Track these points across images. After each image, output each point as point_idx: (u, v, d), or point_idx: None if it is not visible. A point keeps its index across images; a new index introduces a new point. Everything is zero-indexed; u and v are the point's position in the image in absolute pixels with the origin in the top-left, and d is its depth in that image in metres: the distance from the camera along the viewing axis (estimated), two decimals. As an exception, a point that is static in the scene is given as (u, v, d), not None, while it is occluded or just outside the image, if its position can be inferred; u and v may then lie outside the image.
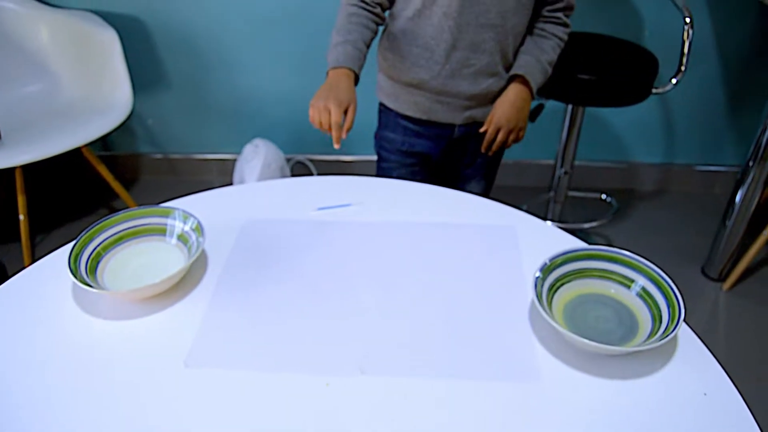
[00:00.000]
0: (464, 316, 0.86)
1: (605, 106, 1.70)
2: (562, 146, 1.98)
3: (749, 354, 1.80)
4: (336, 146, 1.08)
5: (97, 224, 0.95)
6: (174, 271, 0.88)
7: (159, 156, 2.60)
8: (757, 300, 2.01)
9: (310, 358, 0.80)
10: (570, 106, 1.89)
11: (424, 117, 1.36)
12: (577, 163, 2.38)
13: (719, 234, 2.03)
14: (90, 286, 0.86)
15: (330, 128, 1.08)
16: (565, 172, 2.03)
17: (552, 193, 2.09)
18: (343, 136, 1.09)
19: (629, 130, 2.37)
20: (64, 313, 0.89)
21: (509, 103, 1.31)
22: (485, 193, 1.54)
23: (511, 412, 0.73)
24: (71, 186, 2.62)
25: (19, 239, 2.08)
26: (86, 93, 2.20)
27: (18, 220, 2.07)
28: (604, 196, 2.42)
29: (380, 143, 1.46)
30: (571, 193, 2.36)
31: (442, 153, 1.42)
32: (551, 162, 2.44)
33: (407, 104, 1.36)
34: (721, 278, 2.07)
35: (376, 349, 0.82)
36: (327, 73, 1.18)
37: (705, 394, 0.76)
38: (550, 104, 2.15)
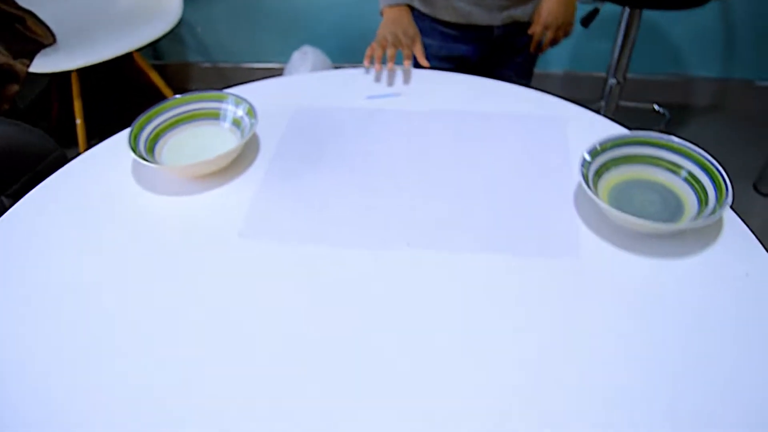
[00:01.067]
0: (507, 197, 0.88)
1: (664, 8, 1.63)
2: (616, 54, 1.92)
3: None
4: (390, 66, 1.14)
5: (155, 107, 0.99)
6: (228, 149, 0.91)
7: (208, 65, 2.62)
8: (810, 215, 1.96)
9: (359, 232, 0.84)
10: (626, 11, 1.82)
11: (462, 21, 1.34)
12: (630, 75, 2.31)
13: (775, 149, 1.98)
14: (149, 162, 0.90)
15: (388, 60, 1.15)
16: (617, 82, 1.98)
17: (602, 103, 2.05)
18: (426, 63, 1.18)
19: (687, 41, 2.28)
20: (126, 190, 0.94)
21: (555, 0, 1.28)
22: None
23: (552, 287, 0.75)
24: (125, 93, 2.67)
25: (76, 143, 2.16)
26: (137, 0, 2.22)
27: (75, 124, 2.14)
28: (656, 107, 2.36)
29: None
30: (623, 103, 2.31)
31: (481, 55, 1.40)
32: (603, 75, 2.38)
33: (443, 9, 1.33)
34: (774, 194, 2.03)
35: (421, 225, 0.84)
36: (381, 12, 1.23)
37: (747, 275, 0.76)
38: (605, 10, 2.08)
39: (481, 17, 1.33)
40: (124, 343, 0.71)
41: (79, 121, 2.12)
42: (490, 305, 0.73)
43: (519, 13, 1.33)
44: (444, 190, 0.90)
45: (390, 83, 1.16)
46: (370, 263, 0.79)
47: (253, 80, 1.20)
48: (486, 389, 0.65)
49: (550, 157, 0.95)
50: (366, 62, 1.18)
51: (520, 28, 1.35)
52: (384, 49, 1.18)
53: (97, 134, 2.37)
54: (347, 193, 0.90)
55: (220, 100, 1.02)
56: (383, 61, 1.18)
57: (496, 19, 1.33)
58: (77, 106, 2.12)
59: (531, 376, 0.66)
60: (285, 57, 2.46)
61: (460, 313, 0.72)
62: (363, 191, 0.90)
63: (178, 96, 1.01)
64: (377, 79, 1.17)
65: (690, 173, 0.85)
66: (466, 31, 1.35)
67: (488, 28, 1.35)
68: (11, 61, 1.91)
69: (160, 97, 2.37)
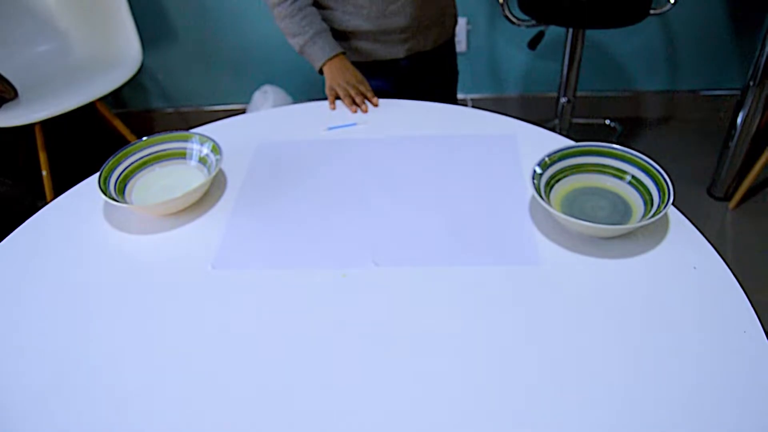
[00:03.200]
0: (467, 212, 0.93)
1: (603, 27, 1.72)
2: (565, 74, 2.01)
3: (758, 267, 1.86)
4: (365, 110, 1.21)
5: (123, 149, 1.02)
6: (195, 186, 0.94)
7: (171, 110, 2.65)
8: (763, 215, 2.05)
9: (328, 254, 0.87)
10: (570, 31, 1.92)
11: (367, 59, 1.39)
12: (580, 93, 2.41)
13: (723, 155, 2.07)
14: (120, 202, 0.93)
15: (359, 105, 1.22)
16: (568, 101, 2.06)
17: (557, 121, 2.13)
18: (376, 103, 1.24)
19: (632, 57, 2.39)
20: (98, 232, 0.96)
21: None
22: None
23: (514, 293, 0.79)
24: (89, 142, 2.68)
25: (43, 195, 2.16)
26: (97, 50, 2.25)
27: (41, 176, 2.15)
28: (608, 122, 2.45)
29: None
30: (576, 120, 2.39)
31: (394, 87, 1.45)
32: (555, 95, 2.47)
33: (347, 51, 1.38)
34: (727, 197, 2.11)
35: (387, 244, 0.88)
36: (321, 70, 1.28)
37: (695, 268, 0.81)
38: (551, 32, 2.17)
39: (384, 52, 1.38)
40: (101, 383, 0.73)
41: (45, 173, 2.13)
42: (457, 316, 0.77)
43: (420, 44, 1.39)
44: (406, 210, 0.94)
45: (348, 114, 1.21)
46: (339, 283, 0.82)
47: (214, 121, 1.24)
48: (456, 403, 0.68)
49: (504, 172, 1.00)
50: (331, 107, 1.25)
51: (426, 56, 1.42)
52: (350, 98, 1.23)
53: (64, 184, 2.38)
54: (314, 219, 0.94)
55: (185, 139, 1.06)
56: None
57: (399, 51, 1.38)
58: (42, 158, 2.13)
59: (498, 382, 0.69)
60: (246, 98, 2.51)
61: (428, 325, 0.76)
62: (328, 216, 0.94)
63: (145, 138, 1.04)
64: (335, 111, 1.22)
65: (634, 177, 0.91)
66: (372, 68, 1.40)
67: (393, 62, 1.41)
68: (-27, 118, 1.92)
69: (124, 144, 2.39)
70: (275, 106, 2.26)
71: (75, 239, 0.95)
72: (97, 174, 0.97)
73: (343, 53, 1.30)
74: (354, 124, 1.17)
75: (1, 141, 2.46)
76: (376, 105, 1.23)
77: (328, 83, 1.27)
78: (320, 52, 1.28)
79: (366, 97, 1.24)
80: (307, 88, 2.50)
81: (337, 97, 1.25)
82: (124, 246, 0.93)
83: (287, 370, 0.71)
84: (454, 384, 0.69)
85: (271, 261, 0.87)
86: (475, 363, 0.71)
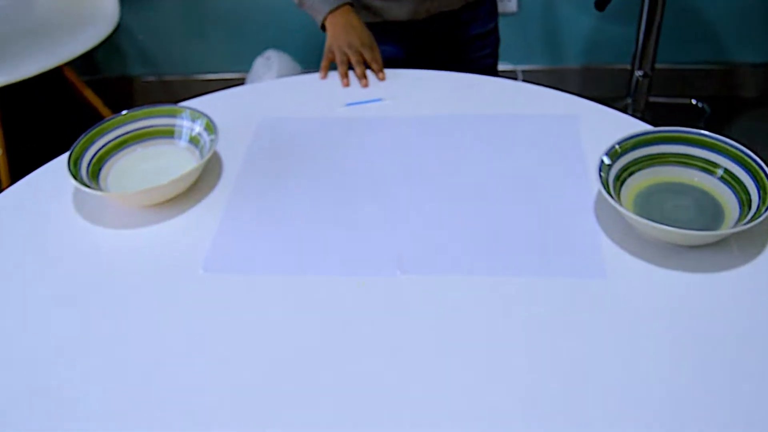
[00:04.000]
0: (514, 211, 0.93)
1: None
2: (640, 42, 1.99)
3: None
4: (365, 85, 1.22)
5: (99, 125, 1.04)
6: (184, 172, 0.95)
7: (153, 78, 2.68)
8: None
9: (343, 258, 0.88)
10: (648, -10, 1.90)
11: (377, 20, 1.38)
12: (659, 66, 2.38)
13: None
14: (93, 189, 0.94)
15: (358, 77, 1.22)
16: (645, 75, 2.05)
17: (629, 100, 2.11)
18: (382, 78, 1.23)
19: (724, 22, 2.36)
20: (66, 223, 0.98)
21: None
22: None
23: (572, 313, 0.79)
24: (54, 116, 2.71)
25: (-2, 177, 2.20)
26: (64, 4, 2.28)
27: (-5, 155, 2.18)
28: (694, 101, 2.43)
29: None
30: (653, 99, 2.37)
31: (411, 56, 1.44)
32: (627, 67, 2.45)
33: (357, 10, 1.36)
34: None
35: (415, 247, 0.88)
36: (324, 22, 1.28)
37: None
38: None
39: (398, 11, 1.37)
40: (68, 397, 0.74)
41: (0, 152, 2.16)
42: (498, 339, 0.77)
43: (444, 1, 1.38)
44: (439, 207, 0.94)
45: (372, 88, 1.22)
46: (356, 295, 0.83)
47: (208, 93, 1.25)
48: (500, 427, 0.68)
49: (563, 163, 1.00)
50: (322, 74, 1.26)
51: (453, 18, 1.40)
52: (346, 66, 1.24)
53: (23, 167, 2.40)
54: (326, 216, 0.95)
55: (173, 114, 1.07)
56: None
57: (419, 10, 1.37)
58: (-3, 132, 2.16)
59: (551, 412, 0.69)
60: (245, 65, 2.52)
61: (464, 348, 0.76)
62: (344, 212, 0.95)
63: (124, 112, 1.06)
64: (354, 81, 1.24)
65: (727, 171, 0.90)
66: (384, 30, 1.38)
67: (410, 24, 1.39)
68: None
69: (96, 120, 2.41)
70: (280, 75, 2.27)
71: (38, 234, 0.97)
72: (66, 154, 0.99)
73: (351, 4, 1.29)
74: (379, 100, 1.18)
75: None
76: (382, 79, 1.23)
77: (327, 43, 1.27)
78: (321, 2, 1.27)
79: (371, 68, 1.24)
80: (318, 55, 2.51)
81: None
82: (97, 243, 0.94)
83: (293, 396, 0.72)
84: (495, 424, 0.69)
85: (275, 265, 0.88)
86: (519, 398, 0.71)
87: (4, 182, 2.16)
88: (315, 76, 1.27)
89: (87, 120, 2.52)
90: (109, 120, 1.05)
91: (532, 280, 0.83)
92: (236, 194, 1.00)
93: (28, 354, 0.80)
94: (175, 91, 2.69)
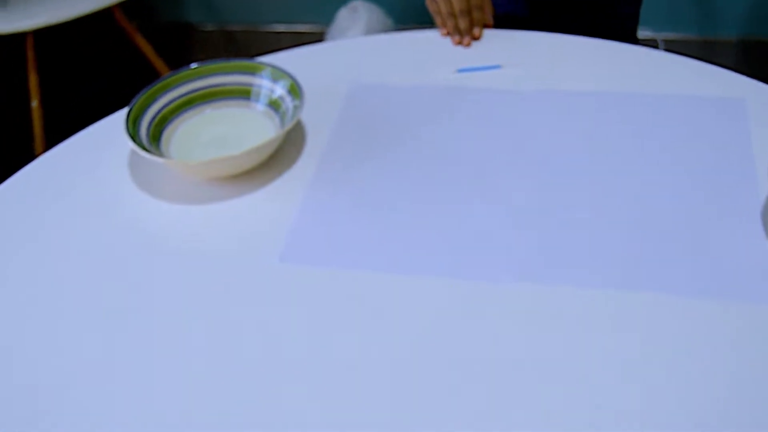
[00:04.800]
0: (662, 215, 0.91)
1: None
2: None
3: None
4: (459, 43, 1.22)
5: (162, 80, 1.06)
6: (262, 141, 0.97)
7: (213, 27, 2.72)
8: None
9: (445, 258, 0.88)
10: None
11: None
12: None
13: None
14: (154, 155, 0.97)
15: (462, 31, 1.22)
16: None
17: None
18: (477, 35, 1.24)
19: None
20: (121, 195, 1.01)
21: None
22: None
23: (734, 344, 0.77)
24: (100, 66, 2.78)
25: (30, 133, 2.26)
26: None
27: (29, 106, 2.25)
28: None
29: None
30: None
31: (532, 12, 1.43)
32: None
33: None
34: None
35: (534, 250, 0.88)
36: None
37: None
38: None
39: None
40: (117, 394, 0.77)
41: (35, 103, 2.22)
42: (637, 369, 0.75)
43: None
44: (566, 202, 0.94)
45: (490, 52, 1.21)
46: (458, 301, 0.83)
47: (278, 48, 1.26)
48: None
49: (725, 157, 0.98)
50: (442, 30, 1.25)
51: None
52: (453, 14, 1.23)
53: (60, 124, 2.45)
54: (427, 205, 0.95)
55: (252, 72, 1.09)
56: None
57: None
58: (32, 81, 2.23)
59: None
60: (325, 16, 2.54)
61: (593, 377, 0.75)
62: (449, 201, 0.95)
63: (194, 65, 1.08)
64: (472, 47, 1.23)
65: None
66: None
67: None
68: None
69: (148, 71, 2.46)
70: (368, 31, 2.28)
71: (85, 204, 1.00)
72: (125, 110, 1.01)
73: None
74: (497, 67, 1.17)
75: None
76: (477, 36, 1.24)
77: None
78: None
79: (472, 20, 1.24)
80: (416, 9, 2.51)
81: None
82: (155, 218, 0.97)
83: (373, 408, 0.73)
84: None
85: (364, 259, 0.89)
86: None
87: (38, 138, 2.23)
88: (422, 35, 1.27)
89: (135, 73, 2.59)
90: (175, 74, 1.07)
91: (679, 299, 0.82)
92: (321, 172, 1.01)
93: (71, 340, 0.82)
94: (239, 44, 2.73)
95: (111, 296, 0.87)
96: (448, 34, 1.25)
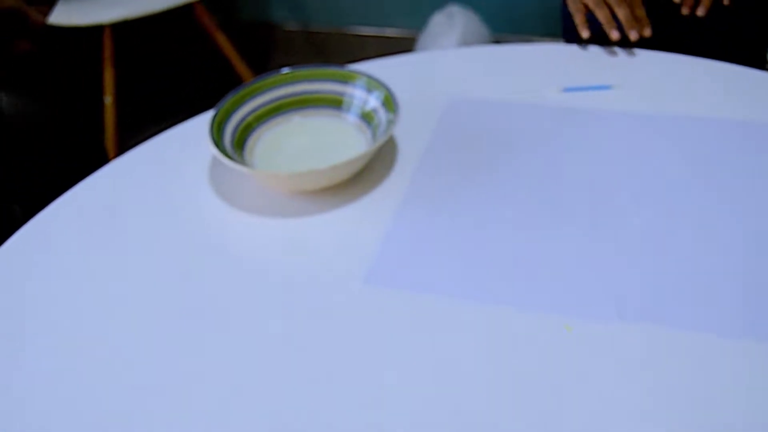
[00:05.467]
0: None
1: None
2: None
3: None
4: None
5: (250, 84, 1.09)
6: (352, 156, 0.98)
7: (296, 26, 2.76)
8: None
9: (543, 290, 0.88)
10: None
11: None
12: None
13: None
14: (239, 163, 0.99)
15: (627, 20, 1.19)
16: None
17: None
18: (646, 33, 1.21)
19: None
20: (200, 203, 1.04)
21: None
22: None
23: None
24: (178, 64, 2.84)
25: (101, 130, 2.33)
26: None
27: (102, 103, 2.31)
28: None
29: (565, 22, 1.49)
30: None
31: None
32: None
33: None
34: None
35: (642, 286, 0.87)
36: None
37: None
38: None
39: None
40: (193, 414, 0.79)
41: (109, 99, 2.28)
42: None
43: None
44: (680, 236, 0.93)
45: (600, 71, 1.22)
46: (560, 339, 0.83)
47: (365, 53, 1.28)
48: None
49: None
50: (582, 30, 1.24)
51: None
52: (606, 8, 1.22)
53: (133, 123, 2.50)
54: (525, 231, 0.96)
55: (345, 80, 1.11)
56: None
57: None
58: (108, 77, 2.29)
59: None
60: (416, 21, 2.55)
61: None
62: (549, 229, 0.96)
63: (286, 70, 1.11)
64: (575, 60, 1.24)
65: None
66: None
67: None
68: (23, 6, 2.10)
69: (227, 72, 2.50)
70: (464, 39, 2.29)
71: (162, 212, 1.04)
72: (211, 114, 1.04)
73: None
74: (607, 87, 1.18)
75: (52, 48, 2.67)
76: (647, 36, 1.22)
77: None
78: None
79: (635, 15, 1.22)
80: (518, 19, 2.51)
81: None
82: (233, 230, 1.00)
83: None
84: None
85: (455, 285, 0.89)
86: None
87: (110, 135, 2.27)
88: (527, 48, 1.28)
89: (215, 72, 2.63)
90: (264, 78, 1.10)
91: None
92: (412, 191, 1.03)
93: (138, 358, 0.85)
94: (321, 46, 2.76)
95: (184, 310, 0.90)
96: (599, 32, 1.25)
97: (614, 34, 1.22)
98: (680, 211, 0.97)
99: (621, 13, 1.21)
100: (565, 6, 1.46)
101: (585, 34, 1.26)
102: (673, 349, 0.82)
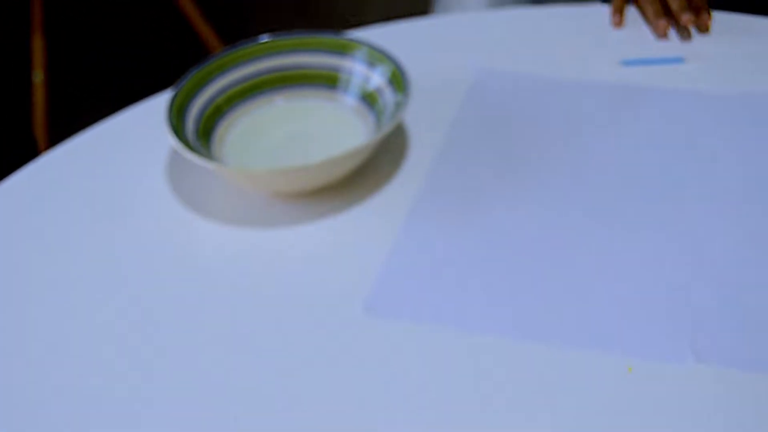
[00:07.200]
0: None
1: None
2: None
3: None
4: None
5: (217, 57, 1.08)
6: (350, 148, 0.97)
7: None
8: None
9: (596, 323, 0.87)
10: None
11: None
12: None
13: None
14: (205, 157, 0.98)
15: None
16: None
17: None
18: (706, 24, 1.23)
19: None
20: (156, 207, 1.03)
21: None
22: None
23: None
24: (127, 30, 2.84)
25: (28, 114, 2.29)
26: None
27: (30, 79, 2.30)
28: None
29: None
30: None
31: None
32: None
33: None
34: None
35: (722, 319, 0.87)
36: None
37: None
38: None
39: None
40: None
41: (39, 76, 2.27)
42: None
43: None
44: (762, 249, 0.93)
45: (663, 38, 1.22)
46: (621, 381, 0.82)
47: (367, 16, 1.27)
48: None
49: None
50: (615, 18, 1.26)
51: None
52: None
53: (71, 107, 2.50)
54: (570, 246, 0.95)
55: (341, 51, 1.10)
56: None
57: None
58: (37, 48, 2.28)
59: None
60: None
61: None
62: (601, 243, 0.95)
63: (265, 38, 1.10)
64: (635, 28, 1.24)
65: None
66: None
67: None
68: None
69: (189, 39, 2.49)
70: (494, 1, 2.29)
71: (108, 218, 1.03)
72: (168, 97, 1.03)
73: None
74: (679, 61, 1.17)
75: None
76: (705, 29, 1.23)
77: None
78: None
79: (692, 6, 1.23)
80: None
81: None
82: (202, 243, 0.99)
83: None
84: None
85: (481, 318, 0.89)
86: None
87: (41, 122, 2.25)
88: (572, 10, 1.28)
89: (175, 41, 2.63)
90: (236, 49, 1.09)
91: None
92: (426, 194, 1.02)
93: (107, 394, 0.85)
94: (312, 6, 2.76)
95: (139, 341, 0.89)
96: (659, 22, 1.24)
97: (660, 28, 1.23)
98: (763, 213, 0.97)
99: (675, 5, 1.23)
100: None
101: (616, 20, 1.27)
102: (753, 394, 0.81)
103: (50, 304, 0.94)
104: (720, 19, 1.24)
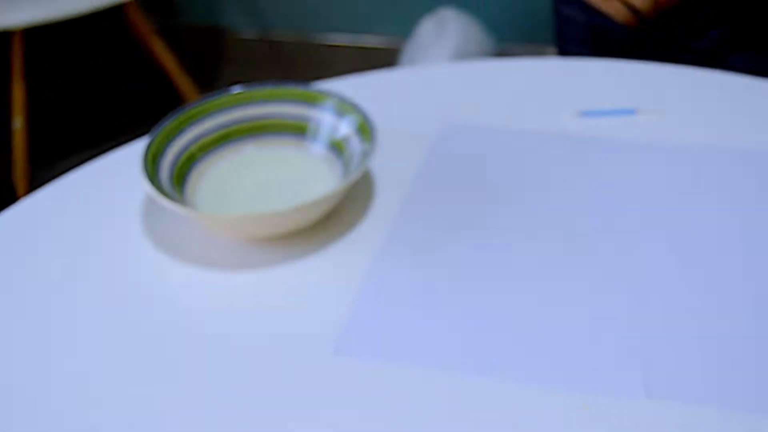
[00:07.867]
0: None
1: None
2: None
3: None
4: None
5: (192, 106, 1.09)
6: (319, 195, 0.98)
7: (253, 34, 2.77)
8: None
9: (557, 362, 0.88)
10: None
11: None
12: None
13: None
14: (179, 204, 0.98)
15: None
16: None
17: None
18: None
19: None
20: (130, 252, 1.04)
21: None
22: None
23: None
24: (106, 79, 2.84)
25: (8, 161, 2.32)
26: None
27: (9, 126, 2.29)
28: None
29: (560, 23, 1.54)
30: None
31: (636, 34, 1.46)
32: None
33: None
34: None
35: (673, 357, 0.88)
36: None
37: None
38: None
39: None
40: None
41: (19, 122, 2.26)
42: None
43: None
44: (719, 299, 0.94)
45: (622, 94, 1.23)
46: (577, 420, 0.83)
47: (337, 68, 1.29)
48: None
49: None
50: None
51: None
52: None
53: (51, 153, 2.48)
54: (533, 288, 0.96)
55: (310, 102, 1.12)
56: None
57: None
58: (18, 95, 2.27)
59: None
60: (402, 26, 2.57)
61: None
62: (561, 285, 0.96)
63: (237, 89, 1.11)
64: (592, 78, 1.25)
65: None
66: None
67: None
68: None
69: (166, 90, 2.48)
70: (460, 51, 2.31)
71: (84, 264, 1.03)
72: (145, 143, 1.04)
73: None
74: (631, 112, 1.19)
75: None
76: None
77: None
78: None
79: None
80: (528, 25, 2.52)
81: None
82: (173, 286, 0.99)
83: None
84: None
85: (448, 357, 0.89)
86: None
87: (20, 170, 2.25)
88: (537, 63, 1.30)
89: (151, 89, 2.62)
90: (209, 99, 1.10)
91: None
92: (393, 239, 1.03)
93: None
94: (285, 57, 2.76)
95: (111, 382, 0.89)
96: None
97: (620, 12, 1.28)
98: (727, 266, 0.98)
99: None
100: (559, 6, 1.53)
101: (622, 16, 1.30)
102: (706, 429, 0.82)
103: (20, 349, 0.94)
104: (672, 72, 1.26)
